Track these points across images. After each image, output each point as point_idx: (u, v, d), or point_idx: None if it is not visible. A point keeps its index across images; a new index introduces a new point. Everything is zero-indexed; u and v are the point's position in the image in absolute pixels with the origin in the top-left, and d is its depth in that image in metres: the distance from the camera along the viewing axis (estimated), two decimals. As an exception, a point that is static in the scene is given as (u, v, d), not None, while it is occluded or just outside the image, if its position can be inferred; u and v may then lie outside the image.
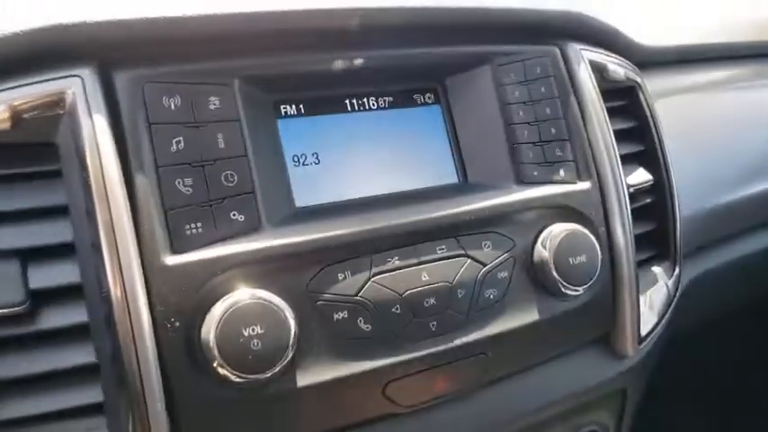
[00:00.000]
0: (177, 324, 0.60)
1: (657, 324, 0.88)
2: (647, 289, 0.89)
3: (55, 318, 0.62)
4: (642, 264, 0.91)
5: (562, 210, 0.79)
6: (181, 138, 0.64)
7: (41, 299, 0.62)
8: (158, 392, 0.59)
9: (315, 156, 0.74)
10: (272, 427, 0.65)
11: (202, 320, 0.61)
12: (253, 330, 0.60)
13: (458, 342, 0.71)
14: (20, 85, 0.62)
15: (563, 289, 0.75)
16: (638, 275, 0.84)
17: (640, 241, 0.87)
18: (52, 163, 0.64)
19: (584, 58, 0.86)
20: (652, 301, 0.89)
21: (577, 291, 0.76)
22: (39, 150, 0.64)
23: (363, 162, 0.76)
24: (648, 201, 0.93)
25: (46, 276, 0.62)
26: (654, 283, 0.91)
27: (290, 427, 0.66)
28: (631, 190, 0.88)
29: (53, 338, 0.62)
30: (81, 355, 0.62)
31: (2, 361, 0.60)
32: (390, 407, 0.70)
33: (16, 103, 0.60)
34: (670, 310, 0.91)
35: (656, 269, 0.93)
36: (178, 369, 0.61)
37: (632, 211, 0.84)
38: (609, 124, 0.84)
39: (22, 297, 0.60)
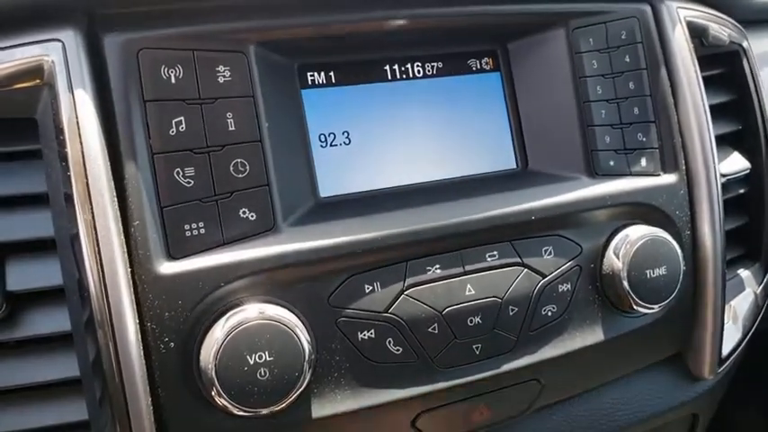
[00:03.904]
0: (172, 344, 0.51)
1: (742, 341, 0.75)
2: (731, 298, 0.76)
3: (35, 324, 0.54)
4: (727, 266, 0.77)
5: (641, 209, 0.65)
6: (182, 118, 0.53)
7: (20, 302, 0.53)
8: (148, 421, 0.51)
9: (345, 135, 0.62)
10: None
11: (202, 341, 0.52)
12: (260, 357, 0.50)
13: (506, 368, 0.60)
14: None
15: (635, 306, 0.63)
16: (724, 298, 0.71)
17: (727, 239, 0.73)
18: (33, 142, 0.54)
19: (681, 18, 0.70)
20: (736, 314, 0.76)
21: (652, 309, 0.64)
22: (18, 126, 0.54)
23: (403, 143, 0.64)
24: (741, 192, 0.79)
25: (26, 277, 0.53)
26: (740, 290, 0.78)
27: None
28: (723, 180, 0.73)
29: (33, 347, 0.54)
30: (65, 368, 0.54)
31: None
32: (421, 439, 0.60)
33: (-15, 74, 0.50)
34: (757, 323, 0.78)
35: (744, 273, 0.79)
36: (172, 396, 0.52)
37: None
38: (705, 102, 0.69)
39: (-3, 300, 0.52)
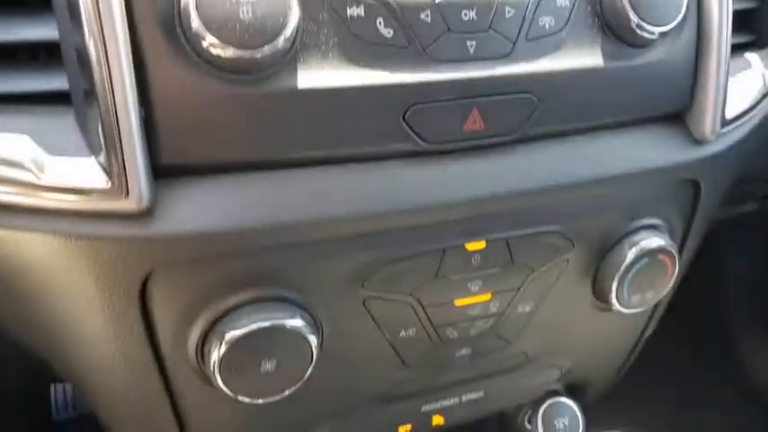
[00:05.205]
0: None
1: (748, 111, 0.73)
2: (737, 72, 0.74)
3: None
4: (733, 51, 0.75)
5: None
6: None
7: None
8: (128, 74, 0.49)
9: None
10: (266, 134, 0.54)
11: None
12: None
13: (500, 71, 0.58)
14: None
15: (635, 27, 0.61)
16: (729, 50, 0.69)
17: (734, 24, 0.70)
18: None
19: None
20: (743, 86, 0.74)
21: (653, 33, 0.62)
22: None
23: None
24: (751, -28, 0.77)
25: None
26: (745, 68, 0.75)
27: (287, 139, 0.55)
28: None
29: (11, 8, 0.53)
30: (44, 30, 0.52)
31: None
32: (411, 139, 0.58)
33: None
34: (765, 102, 0.75)
35: (751, 56, 0.77)
36: (153, 46, 0.50)
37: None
38: None
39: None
